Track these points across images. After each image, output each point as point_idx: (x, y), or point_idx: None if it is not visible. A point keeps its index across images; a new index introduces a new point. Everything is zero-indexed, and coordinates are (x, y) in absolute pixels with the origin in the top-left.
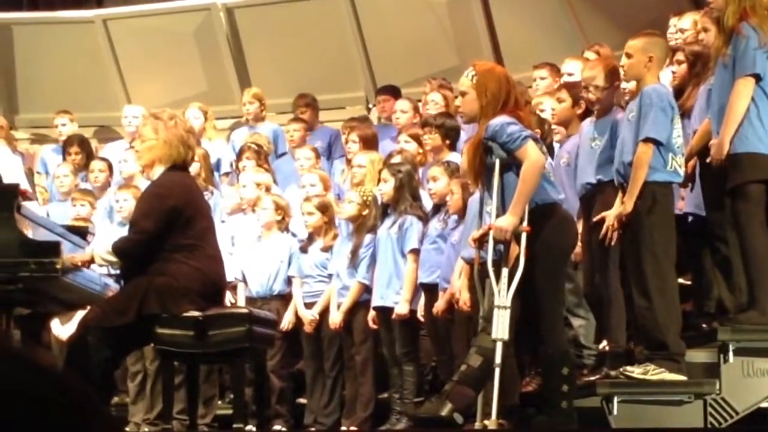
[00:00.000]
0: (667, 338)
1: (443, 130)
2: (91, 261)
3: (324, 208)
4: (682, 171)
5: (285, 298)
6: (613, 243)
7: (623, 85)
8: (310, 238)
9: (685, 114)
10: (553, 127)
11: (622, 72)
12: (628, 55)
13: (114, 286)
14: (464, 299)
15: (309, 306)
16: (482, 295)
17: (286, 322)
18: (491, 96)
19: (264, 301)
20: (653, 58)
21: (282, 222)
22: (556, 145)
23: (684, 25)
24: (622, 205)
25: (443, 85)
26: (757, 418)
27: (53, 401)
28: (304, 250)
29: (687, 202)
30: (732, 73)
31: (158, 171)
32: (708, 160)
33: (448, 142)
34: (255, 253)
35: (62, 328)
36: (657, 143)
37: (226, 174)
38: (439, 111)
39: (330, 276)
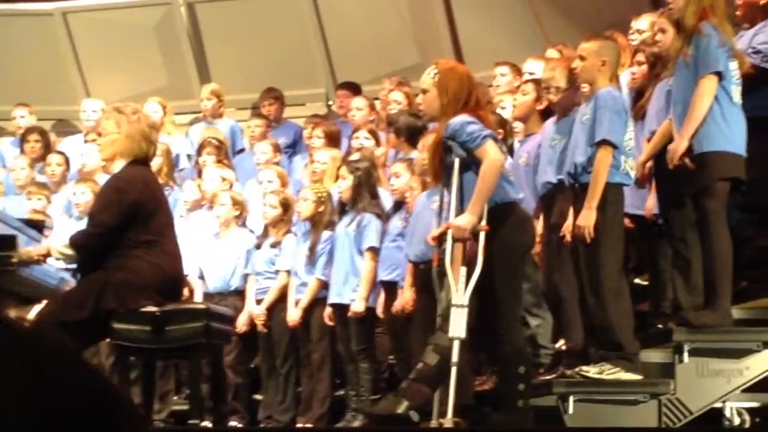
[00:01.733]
0: (620, 338)
1: (395, 129)
2: (48, 255)
3: (286, 206)
4: (633, 174)
5: (242, 294)
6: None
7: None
8: (265, 233)
9: (645, 115)
10: (515, 124)
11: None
12: (582, 58)
13: (71, 281)
14: (406, 298)
15: (260, 302)
16: (441, 294)
17: (240, 323)
18: (452, 95)
19: (221, 297)
20: (606, 62)
21: (239, 217)
22: (516, 145)
23: (641, 26)
24: (587, 212)
25: (402, 83)
26: (711, 418)
27: (91, 398)
28: (258, 246)
29: (629, 202)
30: (694, 72)
31: (119, 165)
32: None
33: (402, 139)
34: (213, 249)
35: None
36: (612, 146)
37: (181, 170)
38: (402, 109)
39: (277, 272)
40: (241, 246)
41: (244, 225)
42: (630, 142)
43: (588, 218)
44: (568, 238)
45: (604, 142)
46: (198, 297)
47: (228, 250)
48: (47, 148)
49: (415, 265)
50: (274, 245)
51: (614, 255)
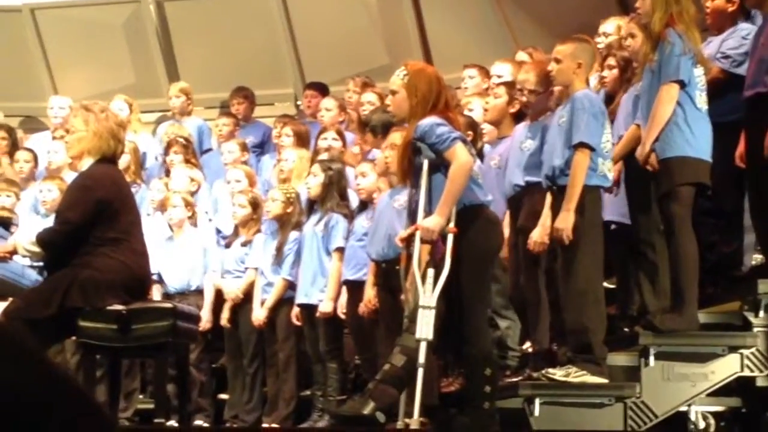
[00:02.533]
0: (592, 342)
1: (370, 128)
2: (14, 252)
3: (255, 205)
4: (610, 176)
5: (203, 293)
6: (537, 250)
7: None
8: (235, 233)
9: (614, 119)
10: (484, 126)
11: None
12: (557, 60)
13: (37, 278)
14: (368, 297)
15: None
16: (406, 294)
17: (205, 321)
18: (421, 96)
19: (182, 297)
20: (582, 64)
21: (192, 218)
22: (487, 147)
23: (608, 29)
24: (565, 215)
25: (367, 84)
26: (676, 421)
27: (53, 401)
28: (228, 245)
29: (610, 209)
30: (659, 78)
31: (87, 163)
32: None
33: (380, 136)
34: (170, 250)
35: None
36: (590, 148)
37: (148, 168)
38: (374, 108)
39: (246, 270)
40: (197, 245)
41: (195, 225)
42: (607, 144)
43: (566, 221)
44: (536, 239)
45: (582, 145)
46: (155, 296)
47: (185, 250)
48: (14, 145)
49: (377, 264)
50: (245, 244)
51: (592, 257)
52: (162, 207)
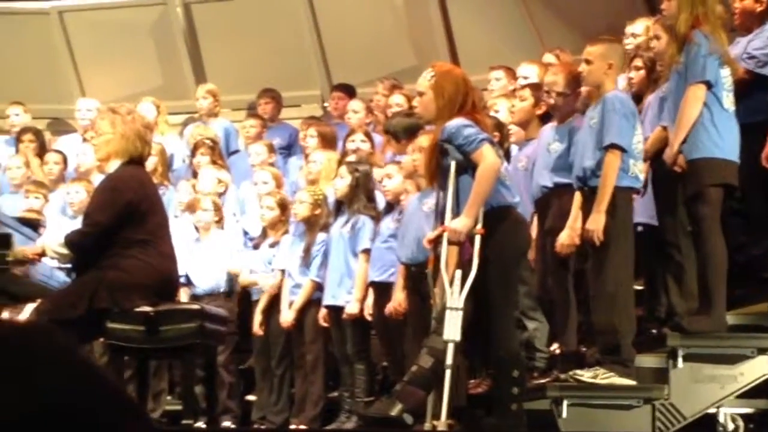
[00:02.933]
0: (621, 343)
1: (391, 134)
2: (43, 254)
3: (283, 207)
4: (642, 177)
5: (230, 295)
6: (564, 252)
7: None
8: (264, 234)
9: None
10: (512, 127)
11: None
12: (588, 62)
13: (65, 279)
14: (398, 300)
15: (258, 303)
16: (434, 296)
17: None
18: (448, 98)
19: (210, 299)
20: (613, 65)
21: (219, 221)
22: (514, 148)
23: (636, 30)
24: (596, 216)
25: (396, 86)
26: (705, 423)
27: (98, 406)
28: (256, 246)
29: (638, 211)
30: (685, 80)
31: (114, 165)
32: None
33: (403, 141)
34: (199, 251)
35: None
36: (621, 150)
37: (175, 170)
38: (397, 112)
39: (273, 272)
40: (225, 247)
41: (222, 227)
42: (639, 145)
43: (597, 222)
44: (563, 242)
45: (613, 146)
46: (183, 298)
47: (212, 252)
48: (42, 147)
49: (406, 267)
50: (273, 245)
51: (623, 259)
52: (190, 209)
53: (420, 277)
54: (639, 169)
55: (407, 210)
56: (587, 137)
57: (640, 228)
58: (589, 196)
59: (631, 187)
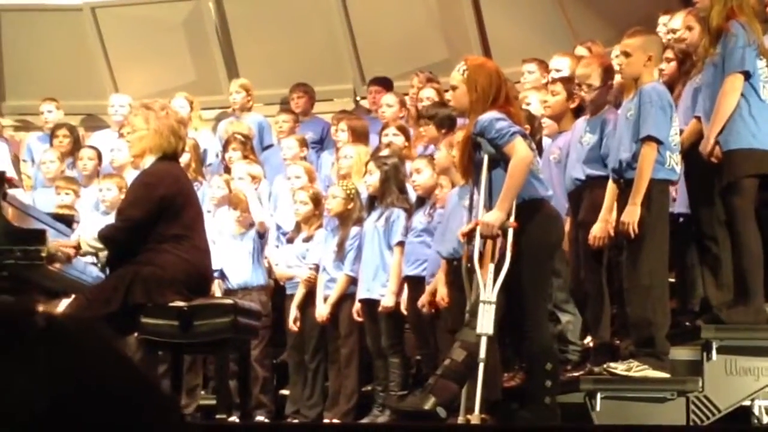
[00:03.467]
0: (655, 336)
1: (438, 121)
2: (78, 248)
3: (316, 201)
4: (678, 169)
5: (265, 289)
6: (597, 244)
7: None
8: (297, 229)
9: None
10: (544, 120)
11: (618, 70)
12: (627, 54)
13: (98, 275)
14: (441, 294)
15: (292, 297)
16: (469, 290)
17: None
18: (481, 91)
19: (244, 293)
20: (652, 57)
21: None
22: (546, 140)
23: (675, 25)
24: (631, 208)
25: (431, 79)
26: (739, 416)
27: (140, 403)
28: (289, 240)
29: (679, 201)
30: (722, 70)
31: (148, 161)
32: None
33: (443, 131)
34: (233, 246)
35: None
36: (658, 142)
37: (209, 165)
38: (434, 103)
39: (307, 266)
40: (260, 241)
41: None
42: (675, 137)
43: (632, 214)
44: (606, 234)
45: (649, 138)
46: (217, 293)
47: (249, 246)
48: (76, 143)
49: (448, 262)
50: (307, 240)
51: (658, 252)
52: (226, 203)
53: (461, 271)
54: (676, 161)
55: (448, 205)
56: (624, 129)
57: (681, 219)
58: (625, 189)
59: (668, 179)
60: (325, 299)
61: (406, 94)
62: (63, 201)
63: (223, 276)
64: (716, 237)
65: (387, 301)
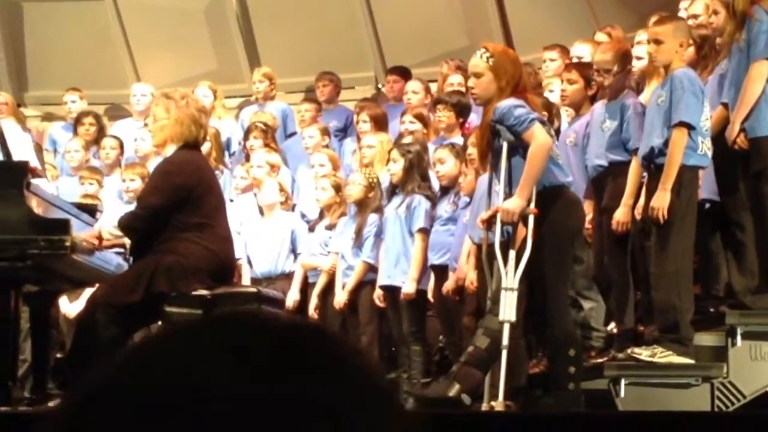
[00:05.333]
0: (680, 321)
1: (458, 108)
2: (100, 238)
3: (338, 188)
4: (710, 154)
5: (290, 277)
6: (621, 230)
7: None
8: (320, 217)
9: None
10: (564, 108)
11: (649, 58)
12: (658, 41)
13: (119, 263)
14: (470, 279)
15: (313, 285)
16: (490, 277)
17: (291, 301)
18: (510, 78)
19: (269, 281)
20: (684, 43)
21: (285, 203)
22: (564, 125)
23: (696, 11)
24: (661, 194)
25: (460, 66)
26: (764, 401)
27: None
28: (311, 229)
29: (705, 187)
30: (747, 57)
31: (170, 150)
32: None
33: (461, 120)
34: (258, 234)
35: (70, 306)
36: (690, 127)
37: (233, 153)
38: (454, 90)
39: (330, 254)
40: (286, 228)
41: (287, 209)
42: (707, 122)
43: (662, 200)
44: (629, 219)
45: (681, 124)
46: (245, 282)
47: (274, 233)
48: (101, 131)
49: (478, 247)
50: (330, 227)
51: (686, 238)
52: (249, 191)
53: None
54: (708, 147)
55: (478, 191)
56: (655, 116)
57: (707, 205)
58: (656, 174)
59: (699, 165)
60: (344, 286)
61: (432, 81)
62: (87, 191)
63: (249, 263)
64: (741, 223)
65: (408, 288)
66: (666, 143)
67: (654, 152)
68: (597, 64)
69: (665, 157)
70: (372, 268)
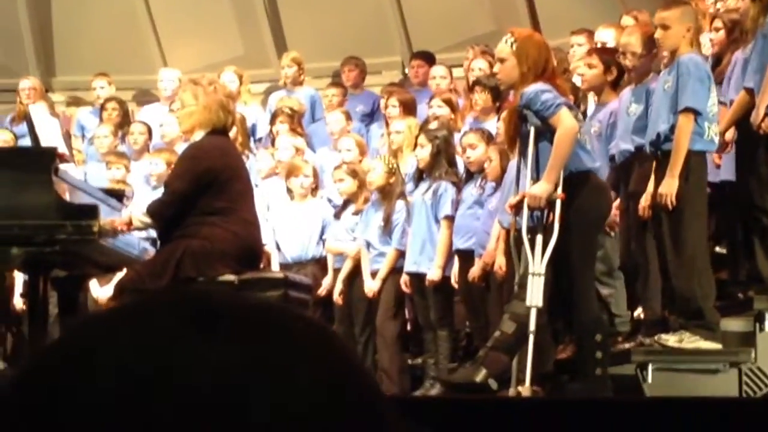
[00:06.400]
0: (702, 307)
1: (495, 91)
2: (130, 223)
3: (354, 174)
4: (717, 140)
5: (320, 262)
6: (646, 215)
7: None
8: (344, 205)
9: (723, 81)
10: (592, 95)
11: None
12: (665, 27)
13: (145, 247)
14: (499, 263)
15: (336, 271)
16: (518, 262)
17: (324, 288)
18: (532, 63)
19: (300, 266)
20: (691, 28)
21: (316, 190)
22: (589, 113)
23: None
24: (669, 180)
25: (485, 51)
26: None
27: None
28: (337, 216)
29: (724, 169)
30: None
31: (198, 136)
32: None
33: (497, 103)
34: (290, 218)
35: (101, 290)
36: (696, 113)
37: (260, 139)
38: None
39: (356, 240)
40: (317, 214)
41: (315, 195)
42: (714, 108)
43: (670, 186)
44: (644, 204)
45: (687, 110)
46: (274, 266)
47: (305, 218)
48: (125, 116)
49: (507, 232)
50: (357, 213)
51: (698, 223)
52: (273, 175)
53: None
54: (714, 132)
55: (507, 176)
56: (661, 101)
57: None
58: (663, 161)
59: (706, 150)
60: (373, 274)
61: (457, 66)
62: (114, 176)
63: (279, 248)
64: (766, 208)
65: (433, 275)
66: (672, 129)
67: (660, 138)
68: (621, 46)
69: (672, 143)
70: (403, 255)
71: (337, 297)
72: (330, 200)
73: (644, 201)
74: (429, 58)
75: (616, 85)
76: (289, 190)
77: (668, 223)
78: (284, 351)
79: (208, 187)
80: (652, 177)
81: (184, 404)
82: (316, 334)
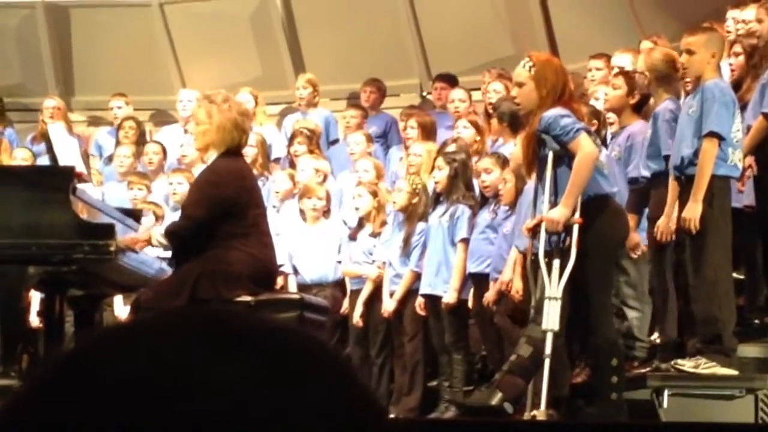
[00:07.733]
0: (722, 332)
1: (513, 119)
2: (149, 241)
3: (375, 194)
4: (740, 165)
5: (339, 284)
6: (664, 240)
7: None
8: (360, 225)
9: (743, 108)
10: (609, 115)
11: (682, 69)
12: (690, 52)
13: (160, 266)
14: (516, 288)
15: (357, 293)
16: (535, 286)
17: (343, 310)
18: (551, 87)
19: (320, 288)
20: (716, 54)
21: (328, 212)
22: (609, 137)
23: (747, 17)
24: (692, 205)
25: (502, 75)
26: None
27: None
28: (352, 237)
29: (747, 193)
30: None
31: (212, 155)
32: None
33: (504, 124)
34: (306, 240)
35: (124, 309)
36: (720, 138)
37: (276, 160)
38: (502, 97)
39: (374, 262)
40: (333, 235)
41: (327, 218)
42: (738, 133)
43: (694, 210)
44: (662, 229)
45: (712, 134)
46: (291, 287)
47: (322, 239)
48: (141, 136)
49: (524, 256)
50: (374, 235)
51: (721, 248)
52: (290, 197)
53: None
54: (738, 158)
55: (523, 200)
56: (686, 126)
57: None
58: (686, 185)
59: (729, 175)
60: (391, 294)
61: (475, 89)
62: (135, 196)
63: (295, 271)
64: None
65: (449, 298)
66: (696, 153)
67: (684, 163)
68: (647, 64)
69: (695, 167)
70: (420, 277)
71: (357, 319)
72: (345, 222)
73: (662, 225)
74: (452, 81)
75: (638, 110)
76: (302, 212)
77: (691, 247)
78: (297, 372)
79: (226, 214)
80: (674, 200)
81: (201, 421)
82: (328, 356)
